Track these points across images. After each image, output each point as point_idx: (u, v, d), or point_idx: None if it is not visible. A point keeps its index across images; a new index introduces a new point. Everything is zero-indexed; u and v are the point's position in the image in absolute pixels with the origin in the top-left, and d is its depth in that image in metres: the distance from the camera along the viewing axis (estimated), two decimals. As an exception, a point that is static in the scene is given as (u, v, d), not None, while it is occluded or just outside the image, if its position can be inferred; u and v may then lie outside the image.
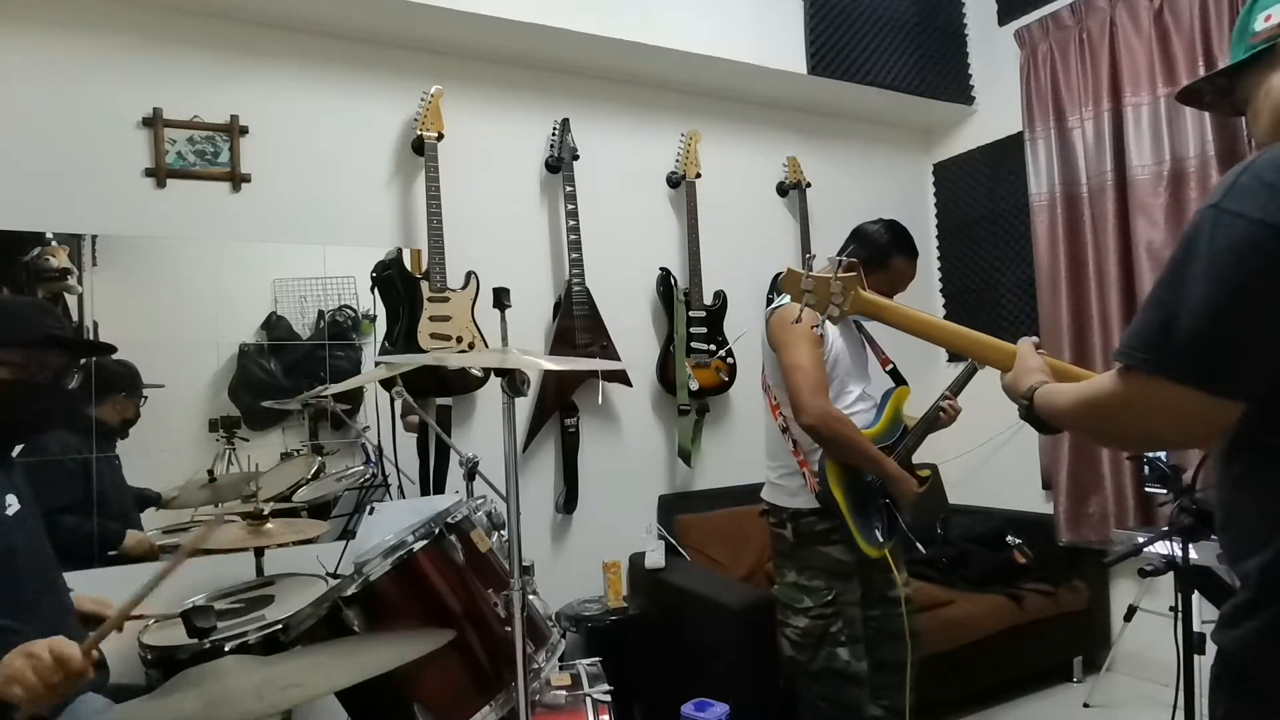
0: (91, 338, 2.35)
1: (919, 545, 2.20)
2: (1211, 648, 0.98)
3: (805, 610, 2.08)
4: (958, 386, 2.24)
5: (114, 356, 2.37)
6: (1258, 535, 0.92)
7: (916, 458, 2.19)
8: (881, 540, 2.10)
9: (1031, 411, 1.14)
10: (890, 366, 2.29)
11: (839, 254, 2.20)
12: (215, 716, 0.94)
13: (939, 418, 2.19)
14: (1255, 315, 0.84)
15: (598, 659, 2.10)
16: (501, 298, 2.37)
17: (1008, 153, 3.68)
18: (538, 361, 1.48)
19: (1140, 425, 0.96)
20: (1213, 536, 1.93)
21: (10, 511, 1.47)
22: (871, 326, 2.30)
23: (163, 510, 2.43)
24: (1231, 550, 0.97)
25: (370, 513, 2.23)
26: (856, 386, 2.17)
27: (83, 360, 2.25)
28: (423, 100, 2.77)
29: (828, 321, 2.08)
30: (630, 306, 3.24)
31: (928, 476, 2.19)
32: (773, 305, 2.19)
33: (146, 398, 2.42)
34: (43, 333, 1.50)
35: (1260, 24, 1.00)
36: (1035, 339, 1.29)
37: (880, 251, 2.14)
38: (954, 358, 3.96)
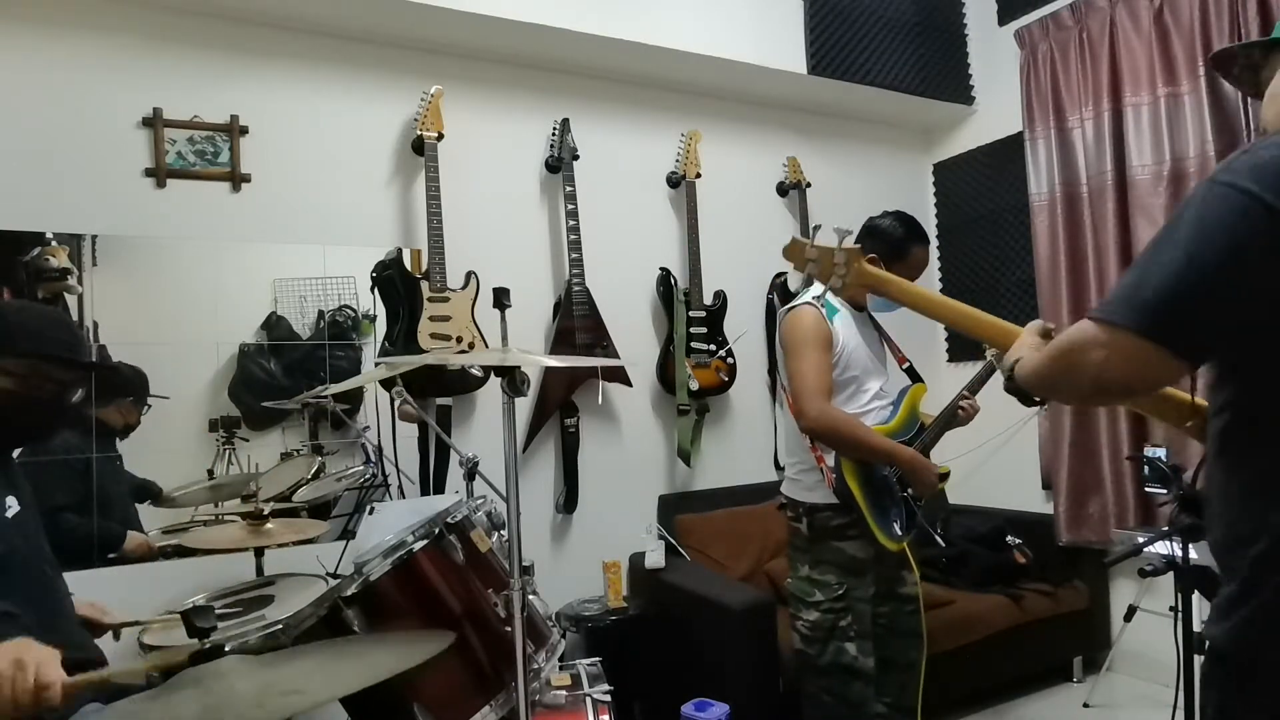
0: (93, 340, 2.35)
1: (938, 539, 2.20)
2: (1211, 648, 0.98)
3: (816, 604, 2.09)
4: (976, 385, 2.22)
5: (124, 361, 2.37)
6: (1248, 526, 0.92)
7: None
8: (900, 534, 2.10)
9: (1013, 381, 1.14)
10: (907, 364, 2.29)
11: None
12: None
13: (957, 415, 2.19)
14: (1225, 279, 0.86)
15: (598, 659, 2.10)
16: (501, 298, 2.38)
17: (1008, 153, 3.68)
18: (540, 359, 1.48)
19: (1093, 368, 0.95)
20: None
21: (10, 514, 1.46)
22: (885, 323, 2.30)
23: (162, 509, 2.43)
24: (1221, 542, 0.97)
25: (370, 513, 2.23)
26: (873, 384, 2.17)
27: (91, 378, 2.24)
28: (423, 100, 2.77)
29: (838, 322, 2.10)
30: (630, 306, 3.24)
31: (947, 474, 2.19)
32: (787, 306, 2.19)
33: (151, 405, 2.42)
34: (52, 349, 1.48)
35: None
36: (1050, 324, 1.27)
37: (899, 244, 2.16)
38: (955, 358, 3.97)
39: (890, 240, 2.16)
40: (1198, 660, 1.90)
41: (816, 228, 1.60)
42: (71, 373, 1.53)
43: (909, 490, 2.14)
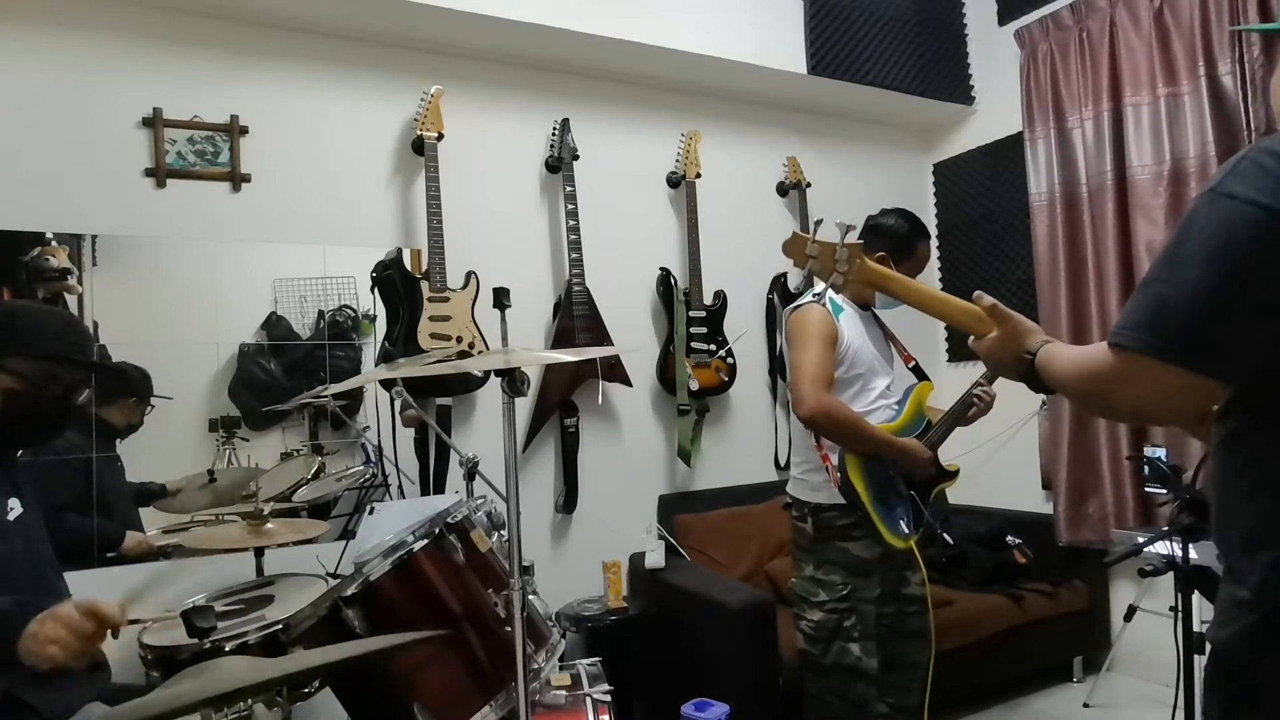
0: (96, 343, 2.35)
1: (945, 536, 2.19)
2: (1212, 648, 0.97)
3: (820, 604, 2.09)
4: (993, 374, 2.20)
5: (127, 361, 2.37)
6: (1264, 528, 0.90)
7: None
8: (908, 531, 2.09)
9: (1033, 369, 1.14)
10: (913, 363, 2.29)
11: None
12: (211, 689, 0.94)
13: (973, 404, 2.17)
14: (1247, 297, 0.84)
15: (598, 659, 2.10)
16: (501, 298, 2.38)
17: (1008, 153, 3.68)
18: (545, 355, 1.48)
19: (1131, 401, 0.95)
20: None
21: (12, 516, 1.47)
22: (888, 321, 2.30)
23: (163, 510, 2.43)
24: (1231, 543, 0.94)
25: (370, 513, 2.23)
26: (879, 382, 2.17)
27: (95, 379, 2.25)
28: (423, 100, 2.77)
29: (843, 320, 2.10)
30: (630, 306, 3.24)
31: (956, 471, 2.18)
32: (792, 305, 2.19)
33: (154, 406, 2.42)
34: (60, 351, 1.49)
35: None
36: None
37: (905, 241, 2.17)
38: (955, 357, 3.96)
39: (897, 237, 2.17)
40: (1198, 660, 1.91)
41: (818, 223, 1.55)
42: (79, 374, 1.53)
43: (914, 489, 2.13)
